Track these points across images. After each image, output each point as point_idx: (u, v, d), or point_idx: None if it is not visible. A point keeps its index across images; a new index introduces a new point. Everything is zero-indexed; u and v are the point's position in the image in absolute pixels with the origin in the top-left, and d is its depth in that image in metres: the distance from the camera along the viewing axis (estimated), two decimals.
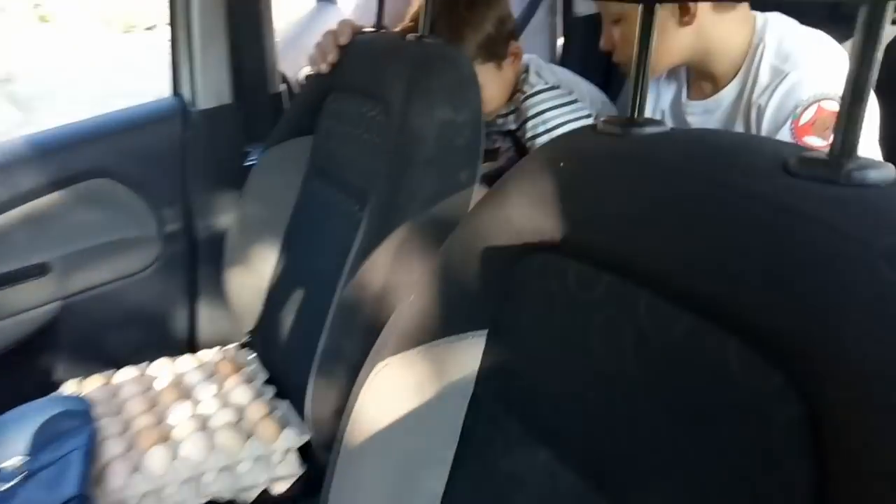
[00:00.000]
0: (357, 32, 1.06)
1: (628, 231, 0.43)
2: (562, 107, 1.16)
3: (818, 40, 0.86)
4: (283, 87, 1.41)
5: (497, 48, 1.12)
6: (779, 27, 0.88)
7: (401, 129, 0.86)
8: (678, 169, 0.43)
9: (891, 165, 0.37)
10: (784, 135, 0.82)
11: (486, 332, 0.56)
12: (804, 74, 0.82)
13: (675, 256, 0.40)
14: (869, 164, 0.37)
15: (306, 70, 1.64)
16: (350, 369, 0.83)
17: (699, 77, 0.95)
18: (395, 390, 0.61)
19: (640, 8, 0.87)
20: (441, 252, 0.60)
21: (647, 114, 1.05)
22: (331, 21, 1.84)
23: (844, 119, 0.37)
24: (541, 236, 0.50)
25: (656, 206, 0.43)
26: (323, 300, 0.94)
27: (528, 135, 1.17)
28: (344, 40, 1.04)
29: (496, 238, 0.53)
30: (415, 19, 1.11)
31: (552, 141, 0.53)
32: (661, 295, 0.41)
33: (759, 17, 0.89)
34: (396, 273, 0.80)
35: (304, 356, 0.96)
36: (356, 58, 1.03)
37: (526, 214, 0.50)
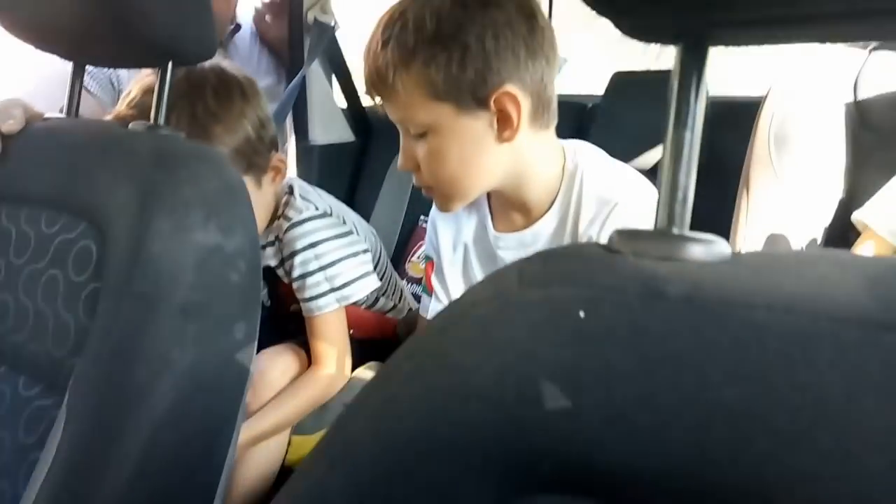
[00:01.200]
0: (36, 118, 0.70)
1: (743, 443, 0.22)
2: (337, 238, 0.93)
3: (632, 171, 0.81)
4: None
5: (257, 157, 0.86)
6: (590, 155, 0.80)
7: (134, 260, 0.53)
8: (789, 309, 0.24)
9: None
10: None
11: None
12: (635, 206, 0.74)
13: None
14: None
15: None
16: None
17: (507, 206, 0.82)
18: None
19: (454, 117, 0.72)
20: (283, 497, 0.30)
21: (448, 249, 0.90)
22: None
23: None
24: (543, 461, 0.25)
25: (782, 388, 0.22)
26: None
27: (297, 273, 0.91)
28: (12, 126, 0.67)
29: (429, 463, 0.27)
30: (134, 106, 0.79)
31: (535, 261, 0.30)
32: None
33: (567, 144, 0.81)
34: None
35: None
36: (38, 152, 0.66)
37: (516, 417, 0.25)
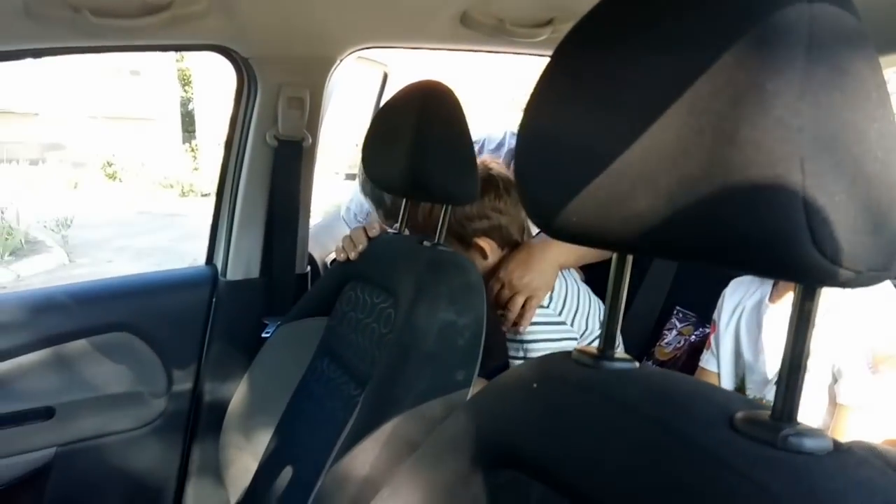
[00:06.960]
0: (383, 231, 1.18)
1: (585, 462, 0.47)
2: None
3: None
4: (308, 269, 1.51)
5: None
6: None
7: (405, 324, 0.92)
8: (634, 409, 0.47)
9: (826, 435, 0.39)
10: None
11: None
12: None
13: (624, 494, 0.43)
14: (806, 432, 0.39)
15: (333, 256, 1.78)
16: None
17: (785, 284, 1.02)
18: None
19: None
20: (419, 453, 0.63)
21: (727, 315, 1.14)
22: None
23: (784, 385, 0.40)
24: (505, 451, 0.53)
25: (611, 443, 0.46)
26: (309, 481, 0.94)
27: None
28: (374, 233, 1.16)
29: (464, 446, 0.56)
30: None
31: (531, 361, 0.59)
32: None
33: None
34: (381, 465, 0.82)
35: None
36: (377, 253, 1.13)
37: (495, 428, 0.54)
